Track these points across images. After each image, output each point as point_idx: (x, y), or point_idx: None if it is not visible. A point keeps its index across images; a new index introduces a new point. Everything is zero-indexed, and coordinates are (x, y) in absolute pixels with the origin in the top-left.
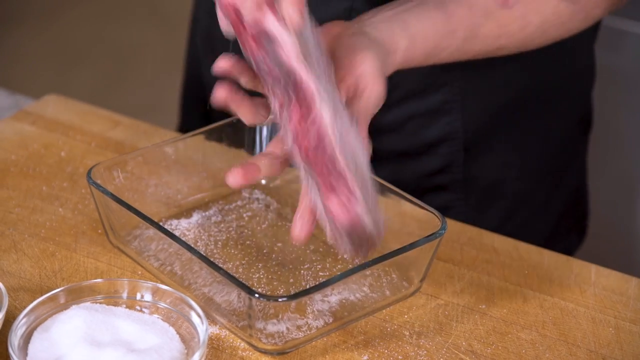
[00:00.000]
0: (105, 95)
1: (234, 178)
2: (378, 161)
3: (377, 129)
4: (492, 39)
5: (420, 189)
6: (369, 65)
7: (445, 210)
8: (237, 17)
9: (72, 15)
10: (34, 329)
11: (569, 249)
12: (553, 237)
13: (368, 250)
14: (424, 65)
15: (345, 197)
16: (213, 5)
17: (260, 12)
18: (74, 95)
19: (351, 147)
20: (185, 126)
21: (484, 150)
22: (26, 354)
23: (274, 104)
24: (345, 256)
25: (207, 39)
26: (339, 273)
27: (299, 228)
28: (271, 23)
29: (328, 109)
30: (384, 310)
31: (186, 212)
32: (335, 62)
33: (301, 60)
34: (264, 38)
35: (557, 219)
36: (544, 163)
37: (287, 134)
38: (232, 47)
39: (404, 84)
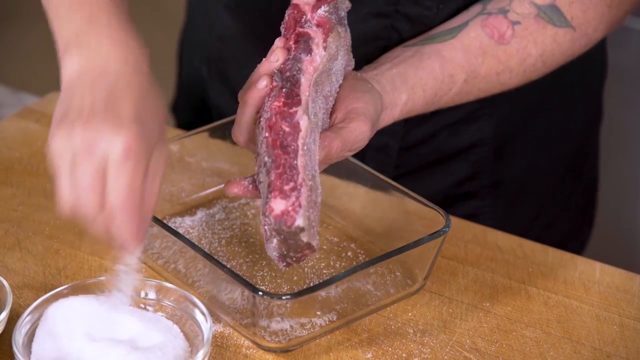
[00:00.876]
0: None
1: (230, 188)
2: (409, 174)
3: (408, 145)
4: (493, 76)
5: (451, 198)
6: (361, 106)
7: (474, 217)
8: (295, 16)
9: None
10: (38, 326)
11: (584, 242)
12: (573, 232)
13: (296, 261)
14: (425, 111)
15: (292, 205)
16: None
17: (319, 26)
18: None
19: (313, 165)
20: (181, 125)
21: (511, 154)
22: (30, 352)
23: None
24: (271, 257)
25: (216, 63)
26: (342, 271)
27: (232, 186)
28: (319, 35)
29: (308, 121)
30: (388, 308)
31: (190, 210)
32: (337, 97)
33: (313, 76)
34: (304, 41)
35: (576, 213)
36: (565, 159)
37: (264, 115)
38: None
39: None
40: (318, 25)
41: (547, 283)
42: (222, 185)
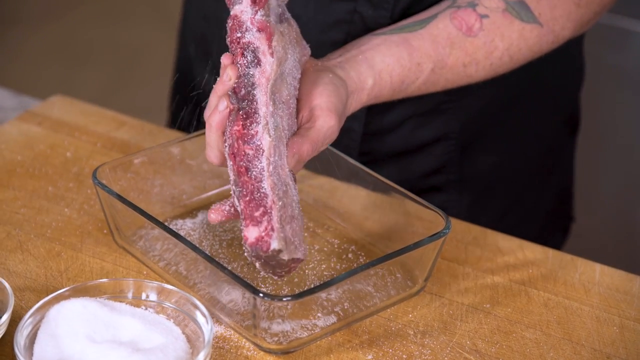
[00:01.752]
0: (111, 96)
1: (212, 216)
2: (376, 162)
3: (376, 130)
4: (460, 67)
5: (416, 190)
6: (324, 100)
7: (442, 210)
8: (236, 25)
9: (78, 16)
10: (40, 328)
11: (556, 248)
12: (541, 236)
13: (287, 272)
14: (393, 100)
15: (265, 230)
16: (207, 10)
17: (260, 31)
18: (80, 96)
19: (284, 179)
20: (176, 123)
21: (478, 150)
22: (32, 354)
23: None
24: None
25: (200, 42)
26: (343, 272)
27: (213, 213)
28: (263, 43)
29: (270, 139)
30: (388, 310)
31: (191, 212)
32: (301, 92)
33: (267, 87)
34: (251, 53)
35: (545, 218)
36: (533, 162)
37: (227, 141)
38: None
39: None
40: (259, 31)
41: (547, 284)
42: (223, 188)
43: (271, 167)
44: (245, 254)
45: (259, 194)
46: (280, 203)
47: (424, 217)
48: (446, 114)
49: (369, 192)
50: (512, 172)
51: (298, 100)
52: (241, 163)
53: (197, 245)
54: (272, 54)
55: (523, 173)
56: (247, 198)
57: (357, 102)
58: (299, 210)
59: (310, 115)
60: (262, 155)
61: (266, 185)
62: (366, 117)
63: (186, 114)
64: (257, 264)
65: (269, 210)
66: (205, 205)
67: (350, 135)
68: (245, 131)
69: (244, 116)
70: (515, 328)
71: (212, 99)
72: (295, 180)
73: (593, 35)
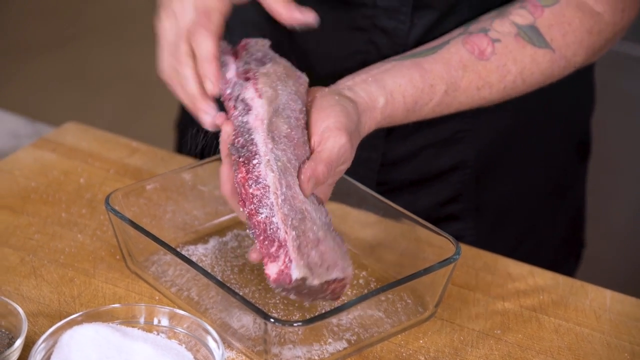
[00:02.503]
0: (125, 123)
1: (252, 256)
2: (391, 192)
3: (393, 160)
4: (474, 90)
5: (432, 218)
6: (332, 121)
7: (459, 239)
8: (226, 84)
9: (93, 44)
10: (53, 353)
11: (570, 274)
12: (556, 263)
13: (333, 295)
14: (406, 122)
15: (283, 264)
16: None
17: (246, 80)
18: (94, 123)
19: (298, 207)
20: (183, 147)
21: (493, 178)
22: None
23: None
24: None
25: None
26: (354, 298)
27: (253, 253)
28: (250, 90)
29: (273, 174)
30: (399, 335)
31: (203, 238)
32: (308, 121)
33: (264, 127)
34: (241, 103)
35: (559, 244)
36: (546, 189)
37: (237, 190)
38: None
39: None
40: (246, 80)
41: (558, 311)
42: (235, 214)
43: (280, 200)
44: (276, 292)
45: (271, 231)
46: (294, 233)
47: (435, 243)
48: (462, 142)
49: (380, 218)
50: (526, 198)
51: (309, 127)
52: (251, 207)
53: (209, 271)
54: (260, 96)
55: (537, 199)
56: (262, 237)
57: (371, 121)
58: (329, 231)
59: (321, 138)
60: (269, 192)
61: (277, 219)
62: (384, 147)
63: (194, 141)
64: (292, 296)
65: (283, 243)
66: (217, 231)
67: (368, 165)
68: (249, 175)
69: (245, 162)
70: (526, 354)
71: (222, 153)
72: (321, 203)
73: (605, 61)
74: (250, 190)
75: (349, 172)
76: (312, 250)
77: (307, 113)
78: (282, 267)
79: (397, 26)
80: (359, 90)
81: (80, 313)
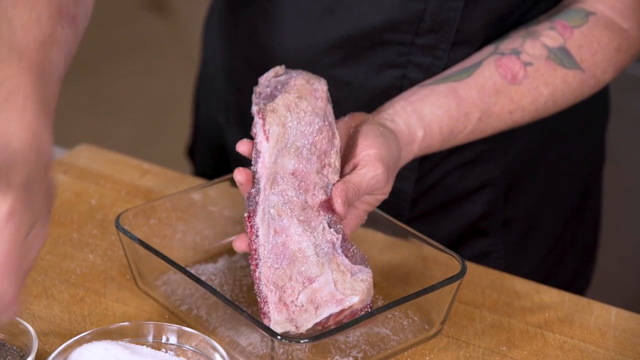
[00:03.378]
0: (139, 148)
1: (240, 243)
2: (424, 216)
3: (421, 189)
4: (506, 114)
5: (462, 237)
6: (374, 151)
7: (486, 256)
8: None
9: (108, 71)
10: None
11: (587, 280)
12: (579, 271)
13: (337, 324)
14: (440, 150)
15: (268, 320)
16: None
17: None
18: (110, 148)
19: (290, 250)
20: (200, 171)
21: (519, 193)
22: None
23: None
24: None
25: (233, 111)
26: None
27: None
28: (260, 130)
29: (262, 227)
30: (405, 352)
31: (213, 258)
32: (350, 145)
33: (267, 174)
34: (255, 148)
35: (582, 252)
36: (571, 199)
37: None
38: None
39: None
40: (259, 119)
41: (563, 328)
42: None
43: (266, 251)
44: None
45: (258, 287)
46: (273, 287)
47: (441, 260)
48: (488, 161)
49: (387, 237)
50: (552, 212)
51: (350, 150)
52: (252, 262)
53: (218, 290)
54: (267, 139)
55: (562, 212)
56: (258, 298)
57: (409, 154)
58: (332, 258)
59: (359, 162)
60: (259, 245)
61: (260, 274)
62: (415, 177)
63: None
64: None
65: (265, 300)
66: (227, 251)
67: (400, 195)
68: (252, 230)
69: (250, 214)
70: None
71: None
72: (336, 222)
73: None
74: (253, 246)
75: (384, 204)
76: (300, 295)
77: (352, 138)
78: (268, 324)
79: (433, 62)
80: (400, 121)
81: (90, 331)
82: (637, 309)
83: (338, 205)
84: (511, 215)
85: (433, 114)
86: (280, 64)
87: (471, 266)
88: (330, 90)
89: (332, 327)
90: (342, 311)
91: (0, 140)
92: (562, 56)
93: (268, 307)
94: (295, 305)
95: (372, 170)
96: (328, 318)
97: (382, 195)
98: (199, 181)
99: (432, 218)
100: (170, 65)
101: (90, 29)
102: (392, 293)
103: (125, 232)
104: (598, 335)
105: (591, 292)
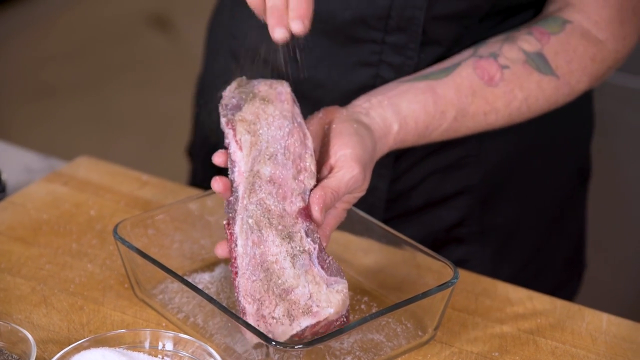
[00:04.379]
0: (142, 163)
1: (222, 250)
2: (399, 218)
3: (398, 189)
4: (481, 115)
5: (438, 243)
6: (349, 152)
7: (464, 263)
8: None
9: (110, 85)
10: None
11: (573, 292)
12: (560, 285)
13: (319, 333)
14: (415, 145)
15: (245, 332)
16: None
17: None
18: (112, 162)
19: (267, 261)
20: (199, 173)
21: (497, 202)
22: None
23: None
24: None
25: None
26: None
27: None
28: (232, 141)
29: (240, 237)
30: (399, 358)
31: (209, 266)
32: (325, 144)
33: (244, 183)
34: (230, 158)
35: (563, 266)
36: (549, 212)
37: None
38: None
39: (423, 145)
40: (229, 130)
41: (555, 333)
42: None
43: (244, 263)
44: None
45: (237, 299)
46: (249, 300)
47: (434, 268)
48: (467, 167)
49: (381, 245)
50: (530, 222)
51: (325, 150)
52: (232, 269)
53: (214, 298)
54: (240, 148)
55: (541, 222)
56: (238, 308)
57: (384, 146)
58: (308, 270)
59: (335, 164)
60: (238, 255)
61: (239, 285)
62: (391, 176)
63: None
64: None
65: (243, 311)
66: (223, 260)
67: (375, 193)
68: (232, 238)
69: (229, 222)
70: None
71: None
72: (313, 232)
73: (608, 93)
74: (233, 254)
75: (358, 201)
76: (277, 308)
77: (326, 136)
78: (246, 336)
79: (404, 62)
80: (375, 115)
81: (88, 338)
82: (628, 315)
83: (316, 212)
84: (488, 224)
85: (410, 108)
86: (265, 64)
87: (464, 273)
88: (305, 91)
89: (309, 338)
90: (317, 323)
91: None
92: (538, 61)
93: (246, 318)
94: (273, 318)
95: (349, 172)
96: (304, 330)
97: (360, 193)
98: (196, 191)
99: (406, 221)
100: (172, 81)
101: (93, 45)
102: (386, 301)
103: (123, 242)
104: (589, 340)
105: (581, 299)
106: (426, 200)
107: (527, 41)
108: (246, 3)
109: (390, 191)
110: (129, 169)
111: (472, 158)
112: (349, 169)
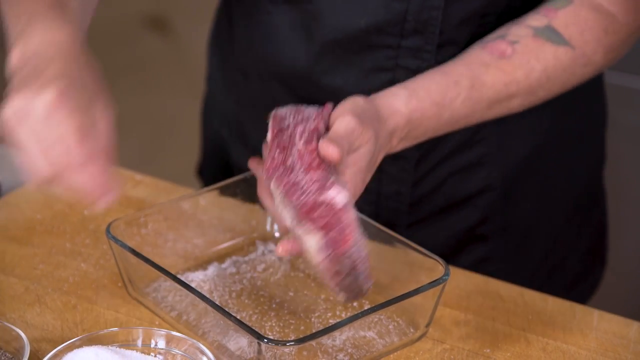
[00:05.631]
0: (142, 166)
1: (284, 249)
2: (423, 220)
3: (419, 192)
4: (501, 85)
5: (462, 242)
6: (338, 110)
7: (486, 261)
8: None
9: (109, 88)
10: None
11: (596, 281)
12: (583, 272)
13: (357, 294)
14: (443, 123)
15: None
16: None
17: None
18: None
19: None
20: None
21: (519, 197)
22: None
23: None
24: (338, 298)
25: (235, 125)
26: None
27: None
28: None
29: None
30: (391, 355)
31: (202, 265)
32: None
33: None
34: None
35: (586, 254)
36: (571, 202)
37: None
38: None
39: (443, 145)
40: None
41: (546, 330)
42: (234, 241)
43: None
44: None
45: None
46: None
47: (426, 265)
48: (487, 166)
49: (374, 243)
50: (551, 215)
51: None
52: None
53: (207, 296)
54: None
55: (562, 215)
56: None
57: (395, 114)
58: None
59: (330, 126)
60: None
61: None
62: (413, 179)
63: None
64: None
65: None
66: (216, 258)
67: (399, 198)
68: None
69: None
70: None
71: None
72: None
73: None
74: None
75: (377, 205)
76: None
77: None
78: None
79: (420, 65)
80: (375, 97)
81: (80, 337)
82: (618, 311)
83: (330, 149)
84: (510, 220)
85: (415, 82)
86: (274, 75)
87: (457, 271)
88: (322, 99)
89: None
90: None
91: (29, 48)
92: (549, 33)
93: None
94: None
95: (342, 120)
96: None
97: (364, 149)
98: (190, 191)
99: (431, 224)
100: (172, 84)
101: (91, 47)
102: (378, 298)
103: (116, 241)
104: (580, 336)
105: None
106: (449, 201)
107: (533, 19)
108: (243, 24)
109: (413, 195)
110: (123, 168)
111: (492, 156)
112: (340, 119)
